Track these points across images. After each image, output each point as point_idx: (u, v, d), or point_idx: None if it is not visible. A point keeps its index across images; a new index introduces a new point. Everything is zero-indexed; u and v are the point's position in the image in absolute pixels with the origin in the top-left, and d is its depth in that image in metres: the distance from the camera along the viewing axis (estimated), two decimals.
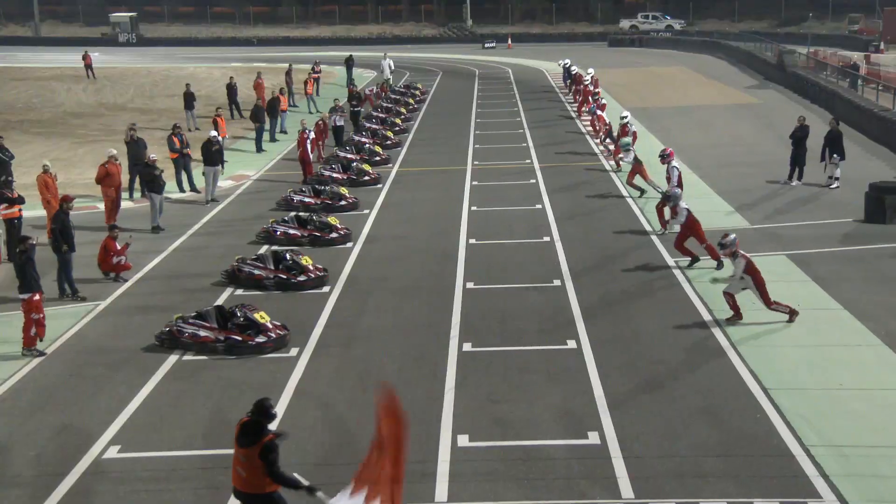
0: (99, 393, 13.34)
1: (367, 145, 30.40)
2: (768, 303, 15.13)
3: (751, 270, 15.13)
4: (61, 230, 17.51)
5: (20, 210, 20.18)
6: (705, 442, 11.43)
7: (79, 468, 11.16)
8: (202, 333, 14.66)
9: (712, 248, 17.74)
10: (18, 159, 26.69)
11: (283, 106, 36.34)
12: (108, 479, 10.92)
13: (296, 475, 9.29)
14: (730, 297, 15.29)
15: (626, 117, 28.46)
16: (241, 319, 14.69)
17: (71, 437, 11.98)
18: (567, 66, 47.44)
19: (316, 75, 47.00)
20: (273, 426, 9.42)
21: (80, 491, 10.66)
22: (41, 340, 14.94)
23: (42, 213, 21.82)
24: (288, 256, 17.74)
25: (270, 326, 14.73)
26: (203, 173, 25.41)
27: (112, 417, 12.48)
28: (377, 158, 29.42)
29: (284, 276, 17.51)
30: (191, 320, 14.89)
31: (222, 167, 25.85)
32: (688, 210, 18.60)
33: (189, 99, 37.49)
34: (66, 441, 11.89)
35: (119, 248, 18.44)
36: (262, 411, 9.28)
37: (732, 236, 15.57)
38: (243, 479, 9.14)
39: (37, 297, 14.83)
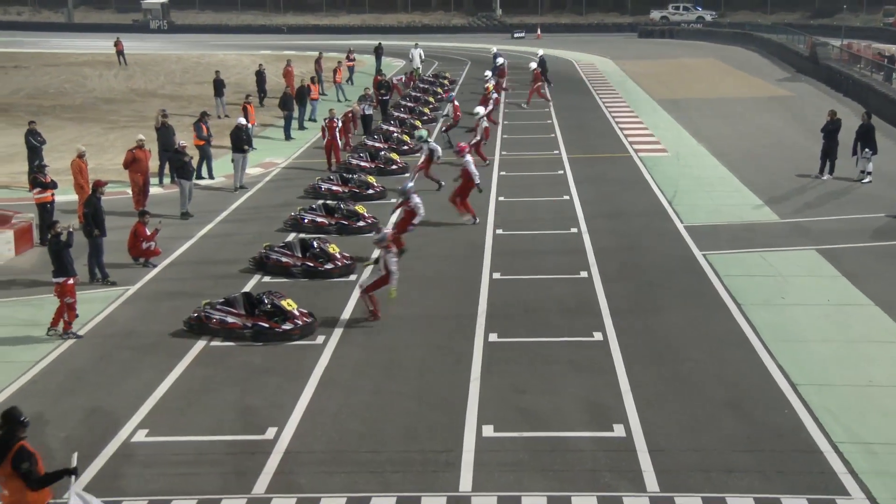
0: (128, 377, 13.47)
1: (395, 134, 30.42)
2: (368, 289, 15.35)
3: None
4: (93, 215, 17.67)
5: (53, 195, 20.35)
6: (732, 436, 11.38)
7: (108, 451, 11.28)
8: (230, 320, 14.76)
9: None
10: (50, 144, 26.92)
11: (314, 95, 36.35)
12: (136, 462, 11.03)
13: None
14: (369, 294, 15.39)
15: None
16: (269, 306, 14.77)
17: (100, 420, 12.11)
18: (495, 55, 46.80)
19: (350, 63, 47.09)
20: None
21: (109, 473, 10.77)
22: (72, 324, 15.09)
23: (73, 197, 22.01)
24: (315, 244, 17.81)
25: (297, 314, 14.80)
26: (232, 160, 25.53)
27: (140, 401, 12.60)
28: (405, 147, 29.43)
29: (311, 264, 17.58)
30: (218, 306, 14.99)
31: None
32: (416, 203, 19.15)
33: (219, 86, 37.64)
34: (95, 423, 12.02)
35: (149, 233, 18.57)
36: (12, 421, 8.70)
37: (385, 231, 15.89)
38: (9, 502, 8.62)
39: (70, 281, 14.98)
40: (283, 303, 14.87)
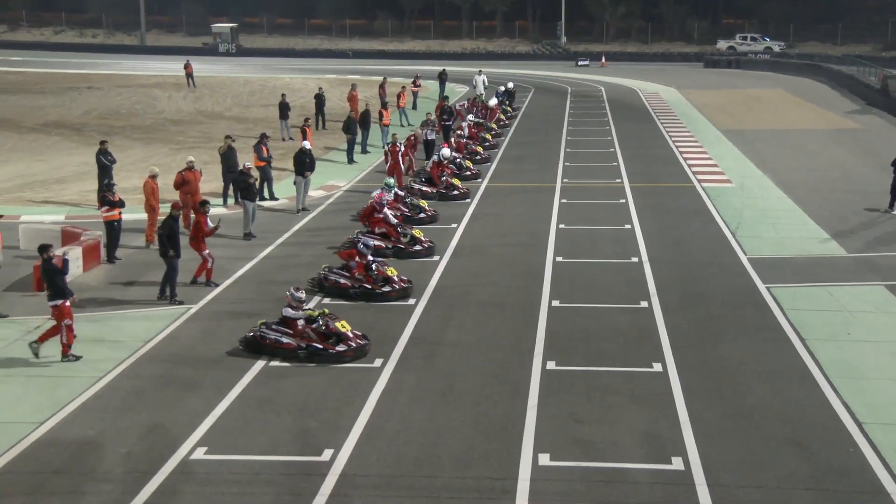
0: (188, 395, 13.63)
1: (458, 159, 30.52)
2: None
3: None
4: (168, 236, 17.88)
5: (120, 213, 20.77)
6: (794, 473, 11.13)
7: (167, 468, 11.40)
8: (284, 340, 14.88)
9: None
10: (120, 164, 27.52)
11: (385, 120, 36.46)
12: (194, 480, 11.13)
13: None
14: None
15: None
16: (323, 328, 14.86)
17: (160, 437, 12.26)
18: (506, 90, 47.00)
19: (416, 89, 47.46)
20: None
21: (167, 490, 10.88)
22: (70, 346, 14.96)
23: (141, 216, 22.44)
24: (374, 267, 17.89)
25: (351, 336, 14.87)
26: (294, 183, 25.82)
27: (200, 419, 12.72)
28: (467, 173, 29.51)
29: (369, 287, 17.66)
30: (274, 326, 15.12)
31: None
32: None
33: (284, 109, 38.18)
34: (155, 440, 12.16)
35: (211, 226, 18.82)
36: None
37: (300, 294, 15.40)
38: None
39: (67, 303, 14.89)
40: (338, 324, 14.95)
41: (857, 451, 11.70)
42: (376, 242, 20.15)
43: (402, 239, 20.33)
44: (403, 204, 23.82)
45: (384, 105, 38.39)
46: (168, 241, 17.79)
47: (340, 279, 17.92)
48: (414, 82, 48.49)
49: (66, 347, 14.97)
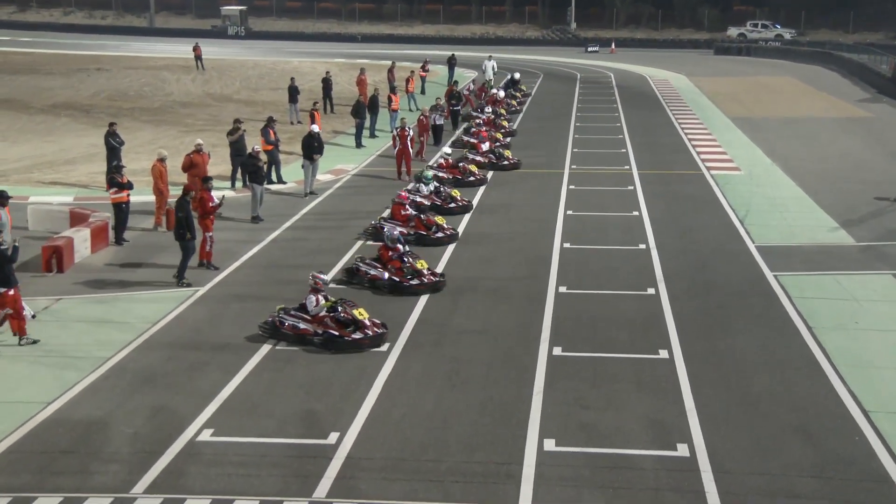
0: (195, 377, 13.67)
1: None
2: None
3: None
4: (185, 218, 17.85)
5: (128, 195, 20.80)
6: (799, 462, 11.13)
7: (173, 449, 11.44)
8: (301, 325, 14.89)
9: None
10: (128, 146, 27.56)
11: (394, 105, 36.36)
12: (200, 461, 11.18)
13: None
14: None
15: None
16: (342, 315, 14.85)
17: (167, 418, 12.31)
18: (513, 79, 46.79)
19: (424, 74, 47.39)
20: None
21: (174, 471, 10.93)
22: (18, 333, 14.82)
23: (149, 198, 22.48)
24: (406, 259, 17.72)
25: (369, 324, 14.87)
26: (302, 166, 25.82)
27: (206, 401, 12.77)
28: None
29: (398, 280, 17.49)
30: (292, 312, 15.13)
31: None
32: None
33: (293, 92, 38.15)
34: (162, 421, 12.21)
35: (216, 201, 18.77)
36: None
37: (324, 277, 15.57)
38: None
39: (11, 292, 14.65)
40: (356, 312, 14.93)
41: (863, 439, 11.69)
42: (400, 229, 19.54)
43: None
44: (436, 194, 23.54)
45: (393, 90, 38.32)
46: (186, 222, 17.73)
47: (371, 270, 17.77)
48: (423, 67, 48.41)
49: (21, 330, 14.75)
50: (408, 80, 43.15)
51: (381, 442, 11.62)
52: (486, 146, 30.13)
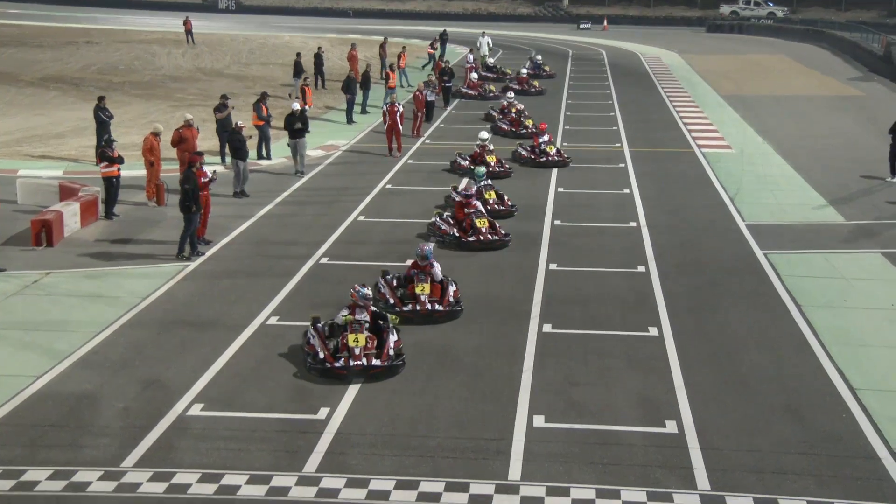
0: (185, 351, 13.67)
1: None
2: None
3: None
4: (192, 189, 17.65)
5: (119, 169, 20.71)
6: (787, 439, 11.20)
7: (163, 423, 11.45)
8: (311, 342, 13.27)
9: None
10: (118, 120, 27.41)
11: (391, 83, 36.03)
12: (190, 435, 11.19)
13: None
14: None
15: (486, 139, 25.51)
16: (338, 340, 13.21)
17: (157, 393, 12.31)
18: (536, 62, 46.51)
19: (432, 51, 47.25)
20: None
21: (164, 445, 10.95)
22: None
23: (140, 172, 22.40)
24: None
25: (358, 353, 12.82)
26: (287, 145, 25.63)
27: (197, 376, 12.77)
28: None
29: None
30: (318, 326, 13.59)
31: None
32: None
33: (297, 68, 37.99)
34: (152, 396, 12.22)
35: (209, 176, 18.62)
36: None
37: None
38: None
39: None
40: (352, 337, 12.91)
41: (850, 417, 11.77)
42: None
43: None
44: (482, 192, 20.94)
45: (390, 67, 38.10)
46: (192, 194, 17.60)
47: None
48: (431, 45, 48.33)
49: None
50: (399, 56, 42.96)
51: (371, 417, 11.64)
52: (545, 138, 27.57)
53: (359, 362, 12.66)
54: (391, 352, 12.96)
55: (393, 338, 13.19)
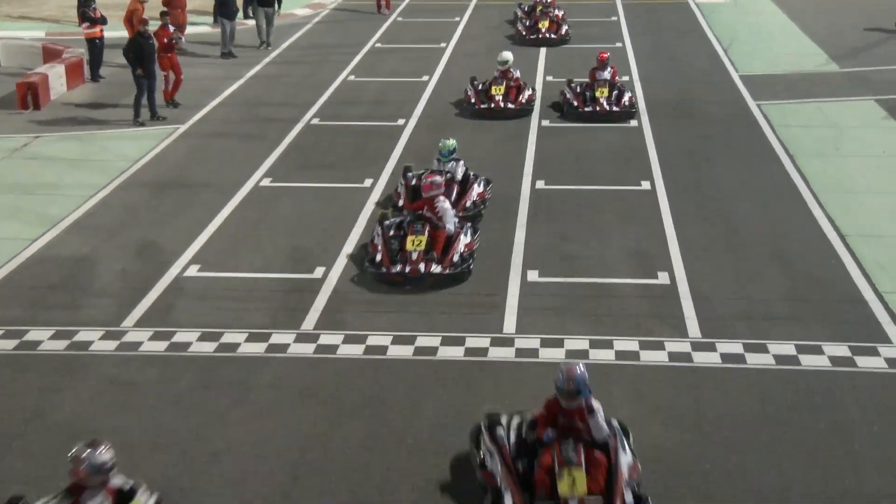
0: (179, 214, 13.68)
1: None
2: None
3: None
4: (137, 55, 17.31)
5: (102, 30, 20.22)
6: (777, 286, 11.36)
7: (161, 284, 11.55)
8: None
9: None
10: None
11: None
12: (188, 296, 11.31)
13: None
14: None
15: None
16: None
17: (153, 254, 12.38)
18: None
19: None
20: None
21: (162, 305, 11.06)
22: None
23: (124, 34, 21.88)
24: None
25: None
26: (252, 14, 24.37)
27: (192, 238, 12.80)
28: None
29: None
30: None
31: (278, 6, 23.97)
32: None
33: None
34: (148, 258, 12.29)
35: (174, 39, 18.26)
36: None
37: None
38: None
39: None
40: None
41: (839, 262, 11.91)
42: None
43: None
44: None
45: None
46: (137, 60, 17.25)
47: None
48: None
49: None
50: None
51: (366, 276, 11.71)
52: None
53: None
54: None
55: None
